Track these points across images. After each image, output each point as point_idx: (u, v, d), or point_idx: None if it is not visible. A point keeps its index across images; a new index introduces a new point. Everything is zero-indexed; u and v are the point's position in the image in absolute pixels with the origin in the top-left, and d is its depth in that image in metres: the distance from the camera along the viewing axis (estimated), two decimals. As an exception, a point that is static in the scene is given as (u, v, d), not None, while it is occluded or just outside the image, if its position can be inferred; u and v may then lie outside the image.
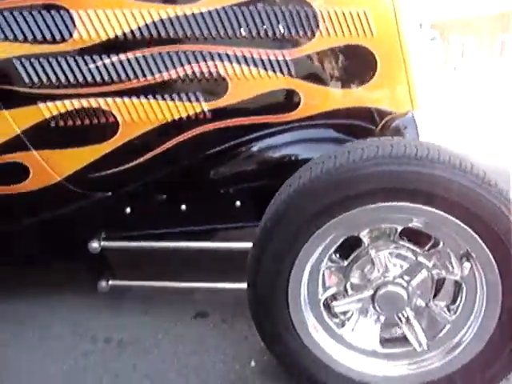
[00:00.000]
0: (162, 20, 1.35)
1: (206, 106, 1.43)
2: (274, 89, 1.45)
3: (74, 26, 1.33)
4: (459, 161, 1.05)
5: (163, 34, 1.36)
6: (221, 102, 1.44)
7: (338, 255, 1.14)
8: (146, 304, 1.74)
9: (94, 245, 1.54)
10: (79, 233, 1.56)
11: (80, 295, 1.76)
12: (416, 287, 1.09)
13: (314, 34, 1.41)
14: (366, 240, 1.11)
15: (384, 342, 1.19)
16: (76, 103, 1.39)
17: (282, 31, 1.41)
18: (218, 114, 1.45)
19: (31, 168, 1.45)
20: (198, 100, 1.43)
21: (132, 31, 1.35)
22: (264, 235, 1.09)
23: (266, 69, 1.42)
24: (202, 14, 1.36)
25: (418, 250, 1.14)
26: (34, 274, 1.79)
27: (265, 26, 1.39)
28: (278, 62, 1.42)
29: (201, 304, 1.72)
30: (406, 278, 1.09)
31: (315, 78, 1.46)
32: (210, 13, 1.37)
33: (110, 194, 1.52)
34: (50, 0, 1.30)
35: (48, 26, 1.32)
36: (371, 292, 1.10)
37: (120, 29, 1.35)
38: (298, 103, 1.47)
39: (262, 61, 1.42)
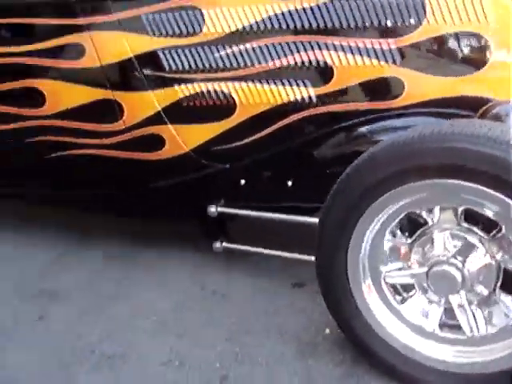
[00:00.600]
0: (276, 14, 1.52)
1: (313, 92, 1.57)
2: (378, 76, 1.51)
3: (204, 22, 1.59)
4: None
5: (277, 26, 1.53)
6: (326, 89, 1.56)
7: (404, 233, 1.19)
8: (253, 268, 1.97)
9: (212, 209, 1.80)
10: (201, 197, 1.83)
11: (198, 252, 2.08)
12: (475, 272, 1.09)
13: (420, 23, 1.44)
14: (429, 220, 1.14)
15: (445, 326, 1.20)
16: (203, 86, 1.65)
17: (388, 20, 1.46)
18: (324, 99, 1.57)
19: (166, 139, 1.77)
20: (306, 86, 1.57)
21: (251, 25, 1.55)
22: (328, 202, 1.20)
23: (370, 57, 1.50)
24: (312, 7, 1.50)
25: (482, 234, 1.13)
26: (162, 230, 2.18)
27: (371, 17, 1.47)
28: (382, 50, 1.48)
29: (300, 275, 1.88)
30: (462, 259, 1.10)
31: (421, 66, 1.49)
32: (319, 6, 1.50)
33: (227, 166, 1.77)
34: (186, 2, 1.58)
35: (184, 23, 1.60)
36: (425, 269, 1.13)
37: (241, 23, 1.56)
38: (402, 91, 1.51)
39: (367, 50, 1.49)
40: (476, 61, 1.44)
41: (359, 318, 1.24)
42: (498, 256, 1.10)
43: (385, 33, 1.47)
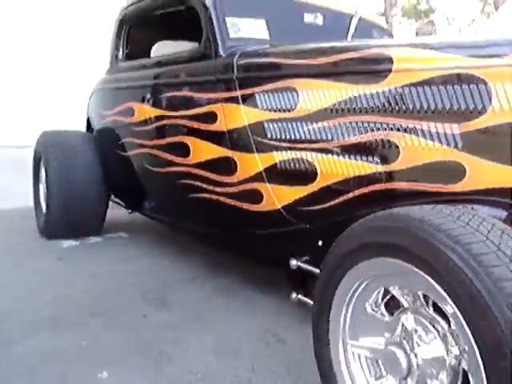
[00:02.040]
0: (350, 98, 1.71)
1: (381, 169, 1.68)
2: (441, 159, 1.54)
3: (298, 101, 1.87)
4: None
5: (351, 107, 1.71)
6: (393, 167, 1.65)
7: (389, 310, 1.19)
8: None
9: (293, 262, 2.00)
10: (286, 250, 2.05)
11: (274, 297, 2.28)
12: (425, 362, 1.03)
13: (485, 109, 1.44)
14: (404, 301, 1.13)
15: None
16: (293, 154, 1.92)
17: (453, 106, 1.50)
18: (391, 176, 1.66)
19: (264, 195, 2.07)
20: (376, 162, 1.69)
21: (330, 106, 1.77)
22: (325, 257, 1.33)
23: (433, 140, 1.54)
24: (383, 91, 1.64)
25: (444, 326, 1.07)
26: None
27: (437, 102, 1.53)
28: (446, 134, 1.52)
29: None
30: (412, 345, 1.04)
31: (483, 152, 1.46)
32: (390, 91, 1.62)
33: (308, 225, 1.96)
34: (286, 84, 1.89)
35: (284, 100, 1.91)
36: (381, 347, 1.11)
37: (326, 103, 1.79)
38: (463, 176, 1.50)
39: (431, 133, 1.55)
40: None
41: (332, 381, 1.28)
42: (454, 351, 1.03)
43: (449, 117, 1.51)
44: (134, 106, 2.75)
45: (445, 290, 0.98)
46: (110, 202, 3.51)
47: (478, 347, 0.91)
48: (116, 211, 3.83)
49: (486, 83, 1.44)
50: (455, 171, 1.52)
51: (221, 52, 2.18)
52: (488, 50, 1.47)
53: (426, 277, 1.01)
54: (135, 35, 2.99)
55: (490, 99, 1.44)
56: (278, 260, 2.12)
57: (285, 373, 1.77)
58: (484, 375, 0.90)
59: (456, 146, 1.51)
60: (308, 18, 2.57)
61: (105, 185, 3.26)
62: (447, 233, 0.99)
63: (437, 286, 0.99)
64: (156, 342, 1.99)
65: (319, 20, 2.61)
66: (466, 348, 0.96)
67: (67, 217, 3.21)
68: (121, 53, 2.98)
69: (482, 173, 1.48)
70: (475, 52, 1.49)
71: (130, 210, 3.38)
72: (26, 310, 2.26)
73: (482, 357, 0.91)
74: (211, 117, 2.21)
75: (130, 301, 2.39)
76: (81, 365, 1.81)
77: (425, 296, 1.11)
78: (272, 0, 2.44)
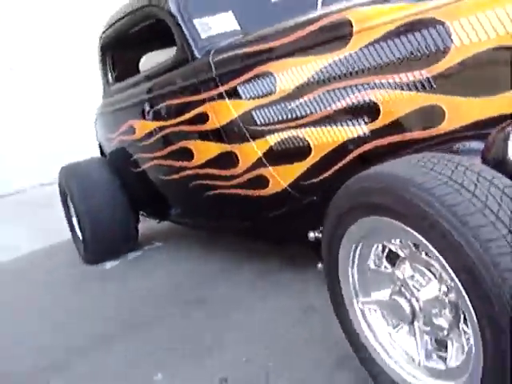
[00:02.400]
0: (322, 68, 1.75)
1: (367, 128, 1.72)
2: (419, 106, 1.57)
3: (276, 83, 1.93)
4: None
5: (326, 77, 1.76)
6: (376, 124, 1.69)
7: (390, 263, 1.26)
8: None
9: (311, 235, 2.08)
10: (302, 225, 2.13)
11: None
12: (426, 304, 1.09)
13: (449, 48, 1.46)
14: (401, 252, 1.19)
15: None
16: (284, 133, 1.98)
17: (419, 52, 1.52)
18: (376, 133, 1.70)
19: (270, 178, 2.14)
20: (361, 123, 1.73)
21: (306, 81, 1.82)
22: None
23: (409, 89, 1.58)
24: (351, 54, 1.67)
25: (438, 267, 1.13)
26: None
27: (403, 52, 1.56)
28: (418, 81, 1.55)
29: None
30: (412, 291, 1.11)
31: (456, 90, 1.48)
32: (357, 52, 1.65)
33: (315, 198, 2.03)
34: (261, 70, 1.95)
35: (263, 86, 1.97)
36: (386, 298, 1.18)
37: (301, 79, 1.84)
38: (443, 117, 1.53)
39: (405, 83, 1.58)
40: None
41: (357, 341, 1.36)
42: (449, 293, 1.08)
43: (417, 64, 1.53)
44: (133, 123, 2.86)
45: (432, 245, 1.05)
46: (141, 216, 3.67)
47: (458, 278, 0.98)
48: (148, 222, 4.01)
49: (443, 23, 1.46)
50: (435, 114, 1.55)
51: (196, 54, 2.26)
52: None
53: (412, 230, 1.08)
54: (119, 56, 3.09)
55: (450, 37, 1.46)
56: (297, 236, 2.21)
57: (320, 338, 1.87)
58: (469, 303, 0.97)
59: (430, 90, 1.54)
60: (274, -4, 2.60)
61: (129, 203, 3.40)
62: (430, 192, 1.05)
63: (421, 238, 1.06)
64: (199, 336, 2.13)
65: (286, -5, 2.63)
66: (452, 283, 1.03)
67: (102, 241, 3.38)
68: (110, 77, 3.09)
69: (460, 110, 1.50)
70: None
71: (157, 220, 3.53)
72: (82, 327, 2.48)
73: (462, 284, 0.99)
74: (203, 117, 2.29)
75: (171, 303, 2.55)
76: (136, 369, 1.98)
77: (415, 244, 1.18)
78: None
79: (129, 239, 3.56)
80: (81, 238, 3.57)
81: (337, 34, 1.71)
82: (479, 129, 1.47)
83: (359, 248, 1.31)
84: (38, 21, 6.49)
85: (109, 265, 3.54)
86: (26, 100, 6.25)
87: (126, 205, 3.39)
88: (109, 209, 3.35)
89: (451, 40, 1.45)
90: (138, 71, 3.08)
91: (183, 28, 2.27)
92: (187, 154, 2.50)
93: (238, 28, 2.38)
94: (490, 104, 1.44)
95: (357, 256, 1.31)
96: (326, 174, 1.92)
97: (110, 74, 3.10)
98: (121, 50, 3.02)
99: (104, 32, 2.96)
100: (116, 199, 3.37)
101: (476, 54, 1.42)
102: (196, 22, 2.29)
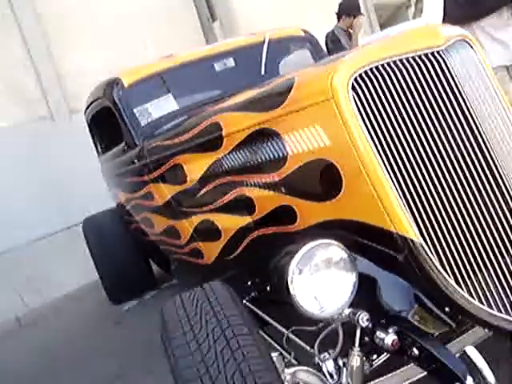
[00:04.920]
0: (209, 165, 1.92)
1: (249, 219, 1.86)
2: (279, 205, 1.68)
3: (185, 173, 2.12)
4: None
5: (213, 173, 1.92)
6: (254, 217, 1.82)
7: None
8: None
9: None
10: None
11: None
12: None
13: (286, 157, 1.56)
14: None
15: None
16: (201, 216, 2.17)
17: (267, 157, 1.64)
18: (255, 225, 1.83)
19: (203, 250, 2.33)
20: (245, 214, 1.88)
21: (201, 174, 1.99)
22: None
23: (269, 189, 1.70)
24: (225, 155, 1.82)
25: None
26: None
27: (257, 157, 1.69)
28: (272, 183, 1.67)
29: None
30: None
31: (299, 194, 1.58)
32: (228, 154, 1.81)
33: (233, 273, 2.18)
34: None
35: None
36: None
37: (198, 172, 2.01)
38: (296, 216, 1.63)
39: (264, 184, 1.71)
40: (330, 186, 1.45)
41: None
42: None
43: (269, 167, 1.66)
44: (117, 193, 3.21)
45: None
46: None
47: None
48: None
49: (277, 134, 1.57)
50: (290, 213, 1.66)
51: (136, 141, 2.50)
52: (269, 103, 1.59)
53: None
54: (100, 132, 3.43)
55: (282, 146, 1.56)
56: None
57: None
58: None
59: (283, 192, 1.65)
60: (219, 66, 2.77)
61: (137, 249, 3.72)
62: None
63: None
64: None
65: (230, 63, 2.78)
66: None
67: (118, 283, 3.75)
68: (100, 147, 3.44)
69: (307, 211, 1.60)
70: (262, 106, 1.62)
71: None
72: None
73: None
74: (151, 195, 2.54)
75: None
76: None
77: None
78: (176, 69, 2.68)
79: (144, 280, 3.89)
80: (100, 280, 3.98)
81: (214, 136, 1.86)
82: (323, 230, 1.55)
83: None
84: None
85: (126, 305, 3.92)
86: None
87: (135, 251, 3.71)
88: (120, 255, 3.68)
89: (286, 150, 1.56)
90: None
91: (124, 117, 2.53)
92: (149, 222, 2.77)
93: (177, 107, 2.58)
94: (324, 209, 1.52)
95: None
96: (235, 254, 2.07)
97: (98, 145, 3.46)
98: (99, 127, 3.34)
99: (85, 112, 3.30)
100: (126, 247, 3.69)
101: (306, 162, 1.51)
102: (136, 110, 2.53)
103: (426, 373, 1.36)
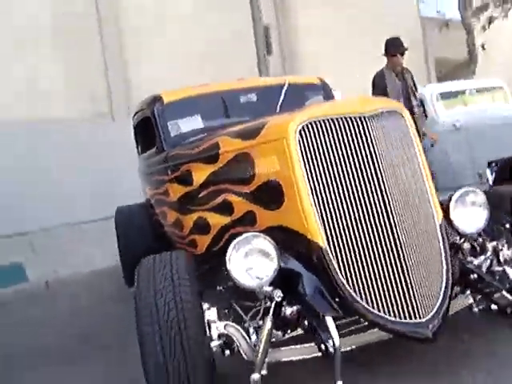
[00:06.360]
0: (209, 174, 2.51)
1: (229, 219, 2.42)
2: (247, 210, 2.26)
3: (193, 178, 2.71)
4: None
5: (211, 180, 2.52)
6: (233, 217, 2.39)
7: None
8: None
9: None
10: (213, 281, 2.84)
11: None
12: None
13: (254, 175, 2.15)
14: None
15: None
16: (199, 213, 2.74)
17: (244, 173, 2.24)
18: (234, 223, 2.39)
19: (198, 242, 2.90)
20: (227, 215, 2.44)
21: (204, 180, 2.58)
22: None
23: (242, 197, 2.27)
24: (220, 167, 2.41)
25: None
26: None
27: (239, 172, 2.28)
28: (245, 193, 2.25)
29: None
30: None
31: (261, 203, 2.15)
32: (222, 167, 2.40)
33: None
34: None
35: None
36: None
37: (202, 178, 2.61)
38: (256, 220, 2.19)
39: (240, 193, 2.29)
40: (277, 199, 2.01)
41: None
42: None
43: (244, 181, 2.25)
44: (146, 188, 3.88)
45: None
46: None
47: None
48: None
49: (251, 157, 2.17)
50: (253, 217, 2.23)
51: (165, 148, 3.14)
52: (250, 134, 2.18)
53: None
54: (142, 136, 4.09)
55: (254, 167, 2.15)
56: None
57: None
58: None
59: (250, 200, 2.23)
60: (243, 98, 3.38)
61: (157, 239, 4.28)
62: None
63: None
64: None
65: (253, 97, 3.39)
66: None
67: (133, 268, 4.34)
68: (140, 148, 4.11)
69: (263, 217, 2.16)
70: (245, 136, 2.23)
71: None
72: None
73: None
74: (168, 192, 3.16)
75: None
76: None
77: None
78: (208, 96, 3.33)
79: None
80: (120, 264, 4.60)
81: (214, 152, 2.47)
82: (271, 233, 2.09)
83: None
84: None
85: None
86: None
87: (153, 240, 4.20)
88: (140, 242, 4.23)
89: (255, 169, 2.14)
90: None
91: (159, 127, 3.17)
92: (164, 215, 3.38)
93: (202, 126, 3.21)
94: (272, 216, 2.08)
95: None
96: (218, 246, 2.63)
97: (139, 146, 4.13)
98: (141, 132, 4.00)
99: (133, 117, 4.00)
100: (146, 235, 4.23)
101: (265, 180, 2.09)
102: (169, 123, 3.18)
103: (320, 354, 1.84)
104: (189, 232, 2.96)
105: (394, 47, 4.48)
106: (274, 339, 1.91)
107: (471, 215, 2.11)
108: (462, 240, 2.14)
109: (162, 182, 3.24)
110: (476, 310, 2.13)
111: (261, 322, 1.89)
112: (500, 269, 2.15)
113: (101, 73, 8.10)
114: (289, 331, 1.96)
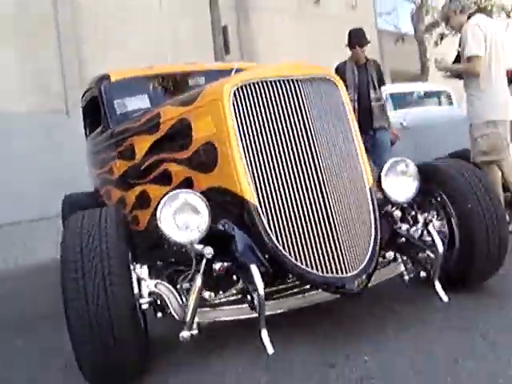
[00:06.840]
0: (151, 144, 2.52)
1: (168, 189, 2.42)
2: (185, 176, 2.28)
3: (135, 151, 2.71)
4: None
5: (153, 151, 2.52)
6: (172, 186, 2.39)
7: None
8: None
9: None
10: (156, 256, 2.83)
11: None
12: None
13: (191, 139, 2.17)
14: None
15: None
16: (140, 187, 2.73)
17: (182, 139, 2.26)
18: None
19: (140, 218, 2.89)
20: (167, 185, 2.45)
21: (145, 151, 2.58)
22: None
23: (181, 164, 2.29)
24: (161, 136, 2.42)
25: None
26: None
27: (177, 138, 2.31)
28: (183, 159, 2.27)
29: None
30: None
31: (196, 168, 2.18)
32: (162, 136, 2.41)
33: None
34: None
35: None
36: None
37: (143, 150, 2.61)
38: (193, 183, 2.22)
39: (179, 159, 2.31)
40: (212, 162, 2.04)
41: None
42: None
43: (182, 147, 2.27)
44: (92, 170, 3.84)
45: None
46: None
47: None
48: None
49: (189, 122, 2.19)
50: (190, 183, 2.25)
51: (110, 125, 3.12)
52: (188, 100, 2.21)
53: None
54: (90, 116, 4.04)
55: (191, 132, 2.17)
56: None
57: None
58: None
59: (188, 167, 2.25)
60: (192, 81, 3.41)
61: None
62: None
63: None
64: None
65: (202, 80, 3.42)
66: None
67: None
68: (88, 131, 4.06)
69: (199, 181, 2.19)
70: (184, 103, 2.26)
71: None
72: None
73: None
74: (112, 170, 3.13)
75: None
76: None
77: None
78: (159, 77, 3.34)
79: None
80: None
81: (157, 121, 2.48)
82: (207, 194, 2.11)
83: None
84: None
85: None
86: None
87: None
88: None
89: (192, 134, 2.17)
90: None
91: (105, 105, 3.16)
92: (109, 195, 3.35)
93: (149, 105, 3.21)
94: (208, 178, 2.11)
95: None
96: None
97: (86, 130, 4.09)
98: (89, 113, 3.95)
99: (81, 98, 3.96)
100: None
101: (202, 143, 2.12)
102: (115, 101, 3.16)
103: (256, 315, 1.87)
104: (131, 208, 2.93)
105: (356, 38, 4.39)
106: (208, 301, 1.93)
107: (402, 184, 2.20)
108: (394, 208, 2.23)
109: (107, 159, 3.20)
110: (407, 277, 2.22)
111: (193, 283, 1.90)
112: (429, 239, 2.25)
113: (57, 68, 7.97)
114: (221, 292, 1.98)
